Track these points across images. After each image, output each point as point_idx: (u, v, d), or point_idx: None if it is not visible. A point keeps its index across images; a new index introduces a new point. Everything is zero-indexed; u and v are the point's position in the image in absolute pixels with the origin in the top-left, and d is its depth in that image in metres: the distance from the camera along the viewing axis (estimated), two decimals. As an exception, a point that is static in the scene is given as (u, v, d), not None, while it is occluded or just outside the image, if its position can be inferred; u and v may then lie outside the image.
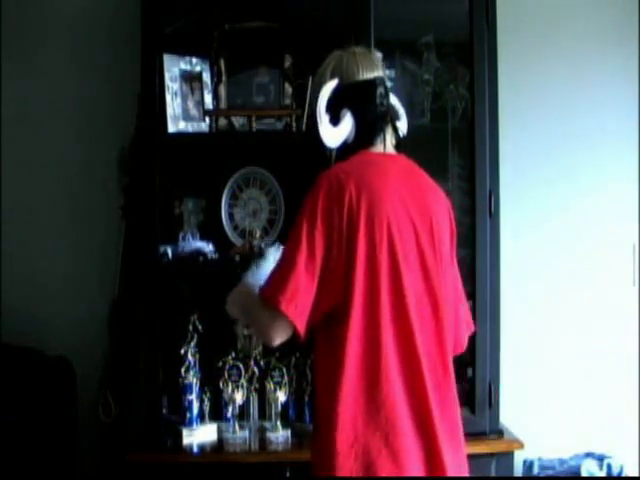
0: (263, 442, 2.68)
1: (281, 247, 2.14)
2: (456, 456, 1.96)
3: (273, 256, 2.13)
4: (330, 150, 2.07)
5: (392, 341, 1.91)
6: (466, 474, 2.02)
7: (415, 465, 1.89)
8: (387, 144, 2.08)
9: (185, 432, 2.69)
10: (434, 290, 1.98)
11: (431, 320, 1.97)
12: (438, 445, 1.91)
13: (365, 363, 1.90)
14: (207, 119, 2.84)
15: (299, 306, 1.88)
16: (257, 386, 2.78)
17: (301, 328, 1.90)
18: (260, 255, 2.23)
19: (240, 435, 2.69)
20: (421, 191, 2.05)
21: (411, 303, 1.93)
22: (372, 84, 2.07)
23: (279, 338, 1.93)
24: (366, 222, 1.91)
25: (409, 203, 1.99)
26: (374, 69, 2.09)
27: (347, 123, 2.05)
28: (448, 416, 1.96)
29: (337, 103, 2.04)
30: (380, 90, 2.08)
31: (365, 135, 2.06)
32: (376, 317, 1.90)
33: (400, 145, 2.13)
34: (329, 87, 2.04)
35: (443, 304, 1.99)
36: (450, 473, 1.92)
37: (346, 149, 2.06)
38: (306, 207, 1.93)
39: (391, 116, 2.11)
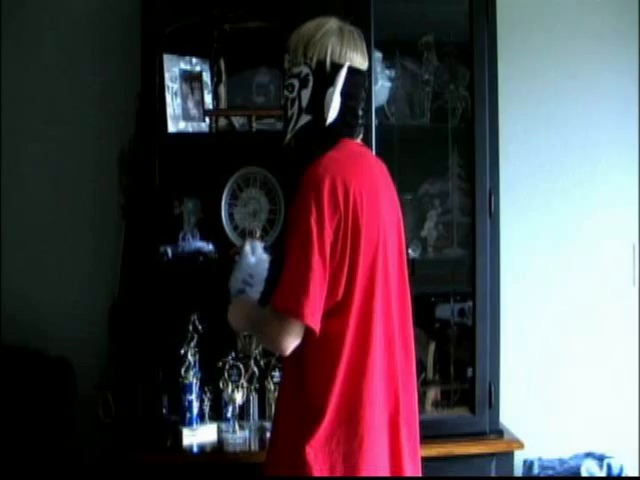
0: (263, 442, 2.67)
1: (255, 242, 2.20)
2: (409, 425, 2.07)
3: (249, 250, 2.16)
4: (294, 117, 2.07)
5: (380, 332, 1.97)
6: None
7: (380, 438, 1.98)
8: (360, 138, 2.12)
9: (185, 432, 2.68)
10: (404, 281, 2.10)
11: (401, 304, 2.08)
12: (399, 411, 2.02)
13: (354, 355, 1.93)
14: (207, 119, 2.84)
15: (316, 312, 1.88)
16: (257, 386, 2.78)
17: (317, 329, 1.89)
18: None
19: (240, 435, 2.70)
20: (391, 188, 2.14)
21: (393, 296, 2.03)
22: (364, 76, 2.08)
23: (293, 345, 1.91)
24: (367, 221, 1.94)
25: (389, 199, 2.08)
26: (365, 61, 2.09)
27: (337, 101, 2.02)
28: (409, 388, 2.09)
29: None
30: (366, 85, 2.10)
31: (348, 124, 2.05)
32: (370, 311, 1.96)
33: None
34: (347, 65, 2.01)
35: (409, 293, 2.12)
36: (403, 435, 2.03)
37: (323, 130, 2.03)
38: (310, 207, 1.89)
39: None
